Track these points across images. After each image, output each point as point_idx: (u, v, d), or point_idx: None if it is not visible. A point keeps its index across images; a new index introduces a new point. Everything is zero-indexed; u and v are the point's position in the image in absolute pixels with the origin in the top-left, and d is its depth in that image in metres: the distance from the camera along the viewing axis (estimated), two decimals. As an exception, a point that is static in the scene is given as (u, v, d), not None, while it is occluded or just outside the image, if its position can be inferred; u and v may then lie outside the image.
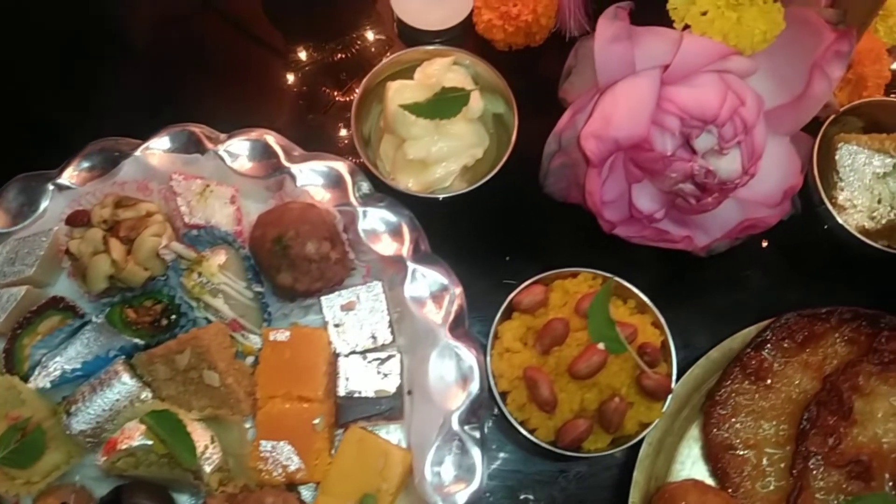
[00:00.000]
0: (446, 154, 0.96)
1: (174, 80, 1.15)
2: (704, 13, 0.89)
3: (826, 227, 0.98)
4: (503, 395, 0.89)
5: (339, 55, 1.16)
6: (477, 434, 0.90)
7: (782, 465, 0.89)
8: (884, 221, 0.96)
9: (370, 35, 1.16)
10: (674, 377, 0.88)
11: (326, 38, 1.18)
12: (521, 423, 0.88)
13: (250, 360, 0.92)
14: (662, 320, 0.91)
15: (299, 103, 1.13)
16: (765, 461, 0.90)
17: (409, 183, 0.98)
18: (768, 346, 0.93)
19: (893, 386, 0.90)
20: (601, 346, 0.85)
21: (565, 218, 0.99)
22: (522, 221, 1.04)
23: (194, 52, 1.17)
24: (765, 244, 1.03)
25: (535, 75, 1.06)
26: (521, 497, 0.93)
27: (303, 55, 1.17)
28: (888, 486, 0.87)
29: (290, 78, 1.15)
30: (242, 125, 1.03)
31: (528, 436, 0.87)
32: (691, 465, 0.92)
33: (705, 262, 0.99)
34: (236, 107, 1.12)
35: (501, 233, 1.04)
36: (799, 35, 0.91)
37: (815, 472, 0.87)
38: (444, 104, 0.94)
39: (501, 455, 0.94)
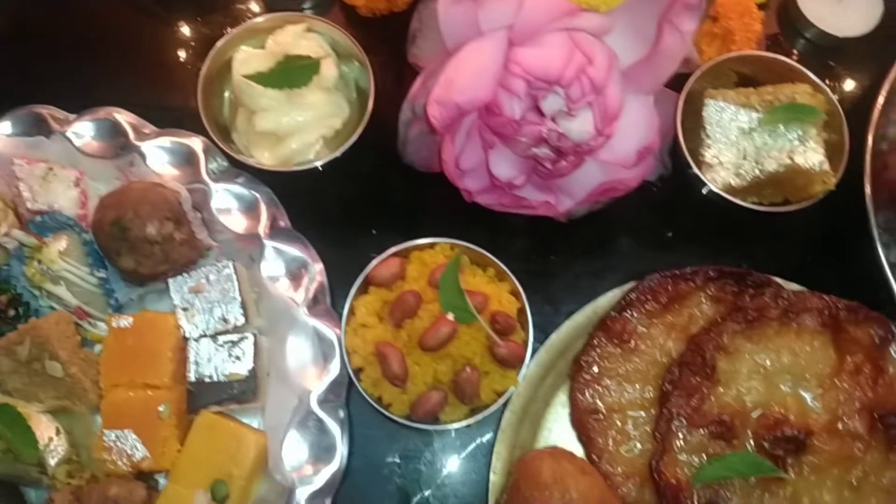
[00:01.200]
0: (300, 125, 0.93)
1: (34, 58, 1.09)
2: (554, -32, 0.86)
3: (694, 186, 0.96)
4: (357, 371, 0.86)
5: (213, 27, 1.11)
6: (341, 413, 0.88)
7: (647, 429, 0.88)
8: (749, 178, 0.94)
9: (253, 6, 1.11)
10: (530, 345, 0.87)
11: (200, 10, 1.13)
12: (377, 400, 0.86)
13: (99, 348, 0.89)
14: (520, 288, 0.89)
15: (166, 78, 1.08)
16: (629, 425, 0.88)
17: (265, 157, 0.94)
18: (632, 308, 0.91)
19: (757, 343, 0.89)
20: (451, 316, 0.83)
21: (433, 188, 0.96)
22: (389, 193, 1.01)
23: (56, 29, 1.11)
24: (635, 206, 1.01)
25: (399, 41, 1.02)
26: (387, 473, 0.91)
27: (176, 29, 1.11)
28: (750, 444, 0.87)
29: (159, 52, 1.09)
30: (103, 104, 0.99)
31: (383, 411, 0.85)
32: (559, 431, 0.91)
33: (576, 228, 0.97)
34: (97, 86, 1.06)
35: (368, 206, 1.01)
36: (655, -11, 0.88)
37: (677, 433, 0.86)
38: (291, 73, 0.91)
39: (366, 433, 0.92)
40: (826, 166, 0.92)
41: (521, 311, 0.89)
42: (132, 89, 1.05)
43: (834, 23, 1.08)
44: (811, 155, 0.92)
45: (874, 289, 0.94)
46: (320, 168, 0.93)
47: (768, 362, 0.89)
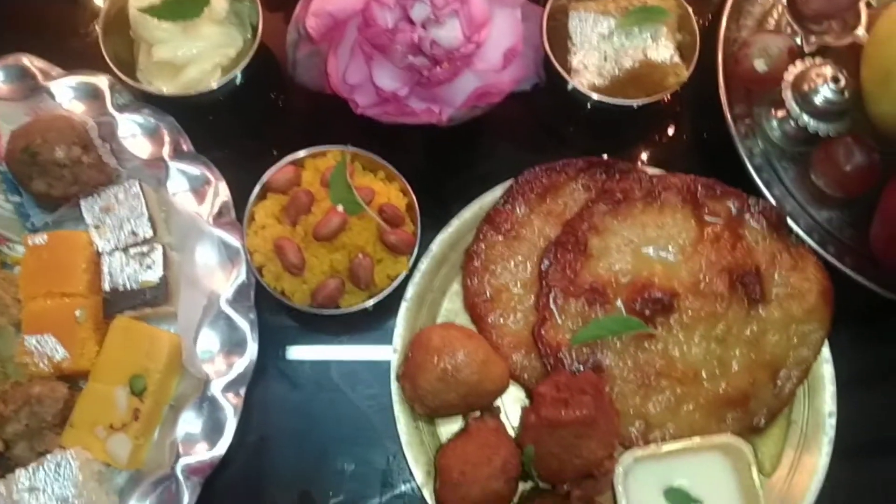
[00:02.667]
0: (196, 56, 1.00)
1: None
2: None
3: (566, 93, 1.06)
4: (259, 268, 0.94)
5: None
6: (250, 313, 0.95)
7: (531, 304, 0.97)
8: (610, 77, 1.03)
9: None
10: (418, 235, 0.95)
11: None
12: (280, 293, 0.93)
13: (19, 269, 0.95)
14: (408, 186, 0.97)
15: (70, 23, 1.13)
16: (515, 302, 0.97)
17: (165, 88, 1.01)
18: (513, 200, 1.00)
19: (624, 221, 0.98)
20: (340, 208, 0.91)
21: (327, 108, 1.03)
22: (287, 115, 1.09)
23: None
24: (515, 117, 1.10)
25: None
26: (298, 366, 0.98)
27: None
28: (622, 308, 0.96)
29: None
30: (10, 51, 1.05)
31: (286, 301, 0.92)
32: (454, 316, 1.00)
33: (464, 140, 1.06)
34: (2, 34, 1.12)
35: (267, 128, 1.09)
36: None
37: (556, 303, 0.95)
38: (183, 5, 0.98)
39: (278, 331, 0.99)
40: (676, 59, 1.02)
41: (410, 207, 0.97)
42: (39, 36, 1.10)
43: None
44: (662, 50, 1.02)
45: (736, 171, 1.04)
46: (216, 90, 0.99)
47: (635, 237, 0.98)
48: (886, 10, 1.00)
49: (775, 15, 1.14)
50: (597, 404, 0.83)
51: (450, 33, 0.95)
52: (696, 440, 0.90)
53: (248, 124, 1.08)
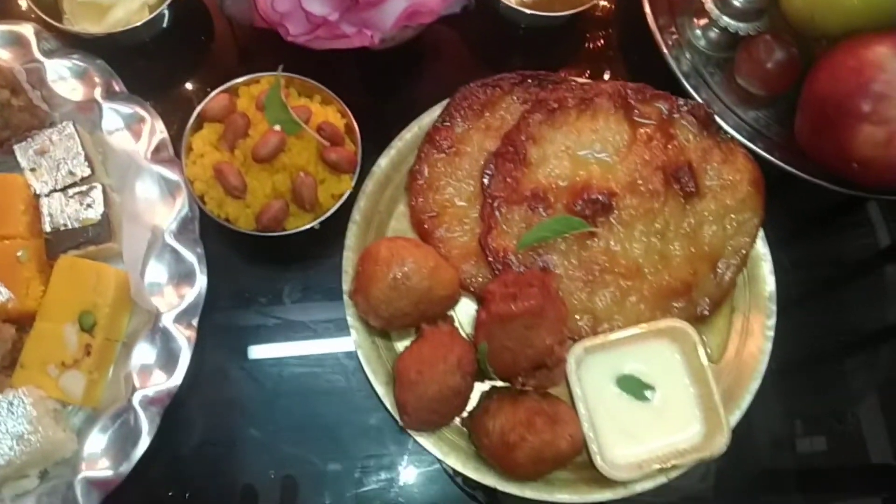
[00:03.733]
0: (121, -5, 1.00)
1: None
2: None
3: (496, 12, 1.08)
4: (201, 197, 0.94)
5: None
6: (196, 246, 0.95)
7: (475, 217, 0.99)
8: (537, -7, 1.06)
9: None
10: (359, 154, 0.96)
11: None
12: (224, 220, 0.93)
13: (-45, 219, 0.94)
14: (346, 107, 0.98)
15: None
16: (460, 216, 0.98)
17: (94, 28, 1.00)
18: (451, 117, 1.01)
19: (560, 129, 1.01)
20: (278, 128, 0.91)
21: (262, 41, 1.04)
22: (220, 52, 1.09)
23: None
24: (449, 41, 1.12)
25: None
26: (249, 297, 0.99)
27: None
28: (563, 212, 0.98)
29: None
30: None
31: (230, 226, 0.92)
32: (402, 235, 1.01)
33: (400, 64, 1.08)
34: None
35: (201, 66, 1.09)
36: None
37: (500, 211, 0.97)
38: (104, -57, 0.97)
39: (227, 263, 0.99)
40: (598, -30, 1.05)
41: (350, 128, 0.97)
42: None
43: None
44: (571, -38, 1.05)
45: (666, 81, 1.07)
46: (144, 28, 1.00)
47: (572, 143, 1.00)
48: None
49: (691, -75, 1.18)
50: (544, 295, 0.85)
51: (375, -47, 0.96)
52: (643, 326, 0.93)
53: (180, 64, 1.08)
